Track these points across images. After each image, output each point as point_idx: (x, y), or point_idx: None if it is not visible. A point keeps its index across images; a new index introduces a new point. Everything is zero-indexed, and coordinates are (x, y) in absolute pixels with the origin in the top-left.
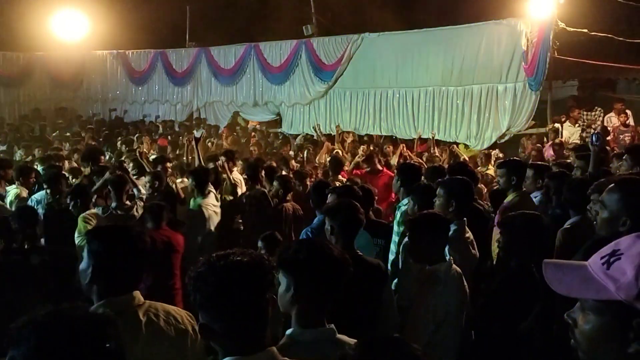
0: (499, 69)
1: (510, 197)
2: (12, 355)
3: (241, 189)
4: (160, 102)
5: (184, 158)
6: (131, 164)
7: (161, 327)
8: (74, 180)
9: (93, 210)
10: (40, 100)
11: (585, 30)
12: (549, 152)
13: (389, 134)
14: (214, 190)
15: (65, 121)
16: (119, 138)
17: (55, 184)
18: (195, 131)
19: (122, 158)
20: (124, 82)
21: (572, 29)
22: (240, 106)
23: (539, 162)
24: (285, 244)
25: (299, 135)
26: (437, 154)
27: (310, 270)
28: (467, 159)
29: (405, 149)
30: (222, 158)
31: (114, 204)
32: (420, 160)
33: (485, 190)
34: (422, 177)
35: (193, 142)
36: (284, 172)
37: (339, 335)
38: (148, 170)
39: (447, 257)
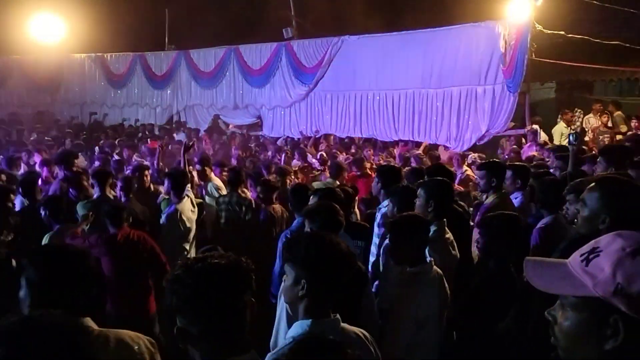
0: (478, 71)
1: (490, 199)
2: None
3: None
4: (140, 106)
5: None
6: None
7: (110, 353)
8: None
9: None
10: (17, 105)
11: (562, 33)
12: (527, 153)
13: (369, 136)
14: (191, 196)
15: (44, 126)
16: (100, 142)
17: (31, 190)
18: (175, 135)
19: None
20: (102, 86)
21: (549, 32)
22: (220, 109)
23: (518, 163)
24: (293, 238)
25: (279, 138)
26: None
27: (322, 264)
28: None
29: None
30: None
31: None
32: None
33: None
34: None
35: (182, 149)
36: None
37: (343, 325)
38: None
39: (428, 259)
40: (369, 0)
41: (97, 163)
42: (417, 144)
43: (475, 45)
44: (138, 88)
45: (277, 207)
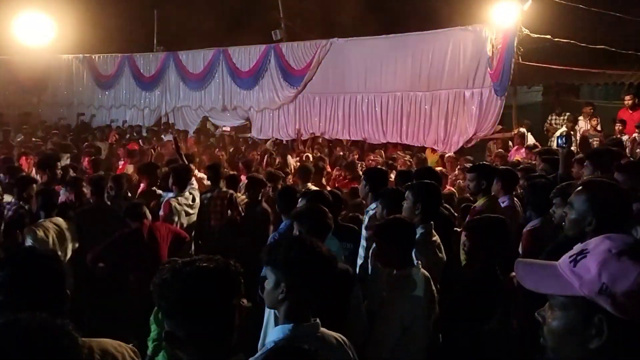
0: (466, 74)
1: (480, 201)
2: None
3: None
4: (128, 107)
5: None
6: None
7: None
8: None
9: None
10: (3, 105)
11: (549, 37)
12: (514, 157)
13: (357, 139)
14: (195, 193)
15: (30, 127)
16: (85, 143)
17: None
18: (163, 136)
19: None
20: (90, 87)
21: (535, 35)
22: (209, 111)
23: (504, 167)
24: (272, 242)
25: (268, 140)
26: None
27: (302, 268)
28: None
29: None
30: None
31: None
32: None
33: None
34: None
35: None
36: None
37: (322, 329)
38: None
39: (415, 261)
40: (357, 3)
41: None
42: (405, 148)
43: (463, 48)
44: (126, 89)
45: (266, 205)
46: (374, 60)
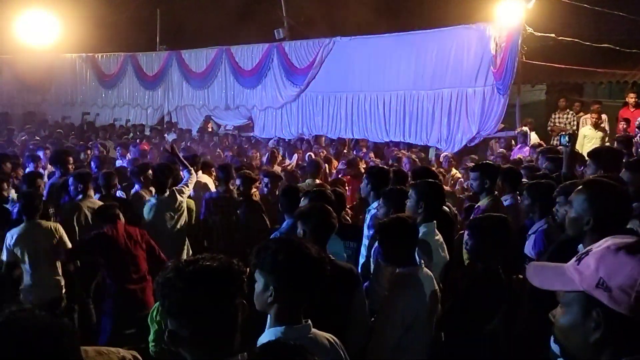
0: (469, 73)
1: (485, 201)
2: None
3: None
4: (131, 106)
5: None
6: None
7: None
8: None
9: None
10: (7, 105)
11: (553, 35)
12: (516, 155)
13: (360, 138)
14: (179, 196)
15: (34, 126)
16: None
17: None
18: (166, 135)
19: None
20: (93, 86)
21: (539, 34)
22: (212, 110)
23: (507, 166)
24: (261, 245)
25: (271, 139)
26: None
27: (289, 270)
28: None
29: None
30: None
31: None
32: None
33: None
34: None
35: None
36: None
37: (314, 330)
38: None
39: (418, 260)
40: (360, 2)
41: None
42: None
43: (466, 47)
44: (129, 88)
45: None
46: (377, 59)
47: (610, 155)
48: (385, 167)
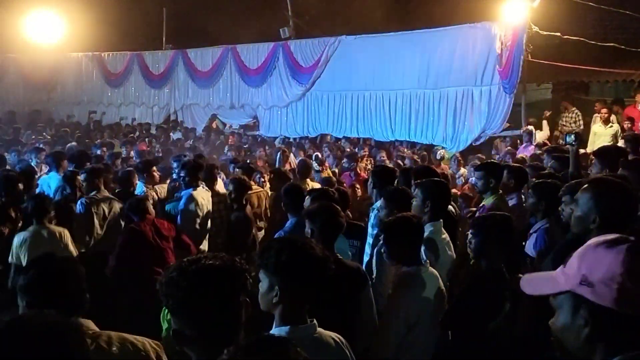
0: (474, 71)
1: (490, 200)
2: None
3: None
4: (137, 105)
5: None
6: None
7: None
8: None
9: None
10: (13, 103)
11: (558, 34)
12: (521, 154)
13: (366, 137)
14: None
15: (40, 124)
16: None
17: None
18: (172, 134)
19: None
20: (99, 85)
21: (545, 33)
22: (217, 109)
23: (514, 164)
24: (265, 244)
25: (276, 138)
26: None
27: (293, 270)
28: None
29: None
30: None
31: None
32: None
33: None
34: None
35: None
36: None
37: (319, 329)
38: None
39: (424, 259)
40: (366, 1)
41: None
42: (412, 145)
43: (471, 46)
44: (135, 87)
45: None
46: (382, 58)
47: (615, 153)
48: (390, 166)
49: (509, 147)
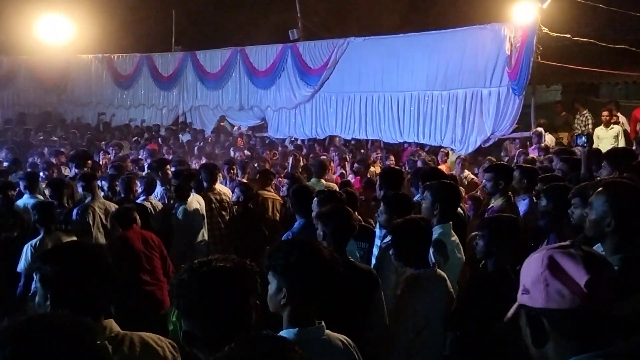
0: (483, 73)
1: (499, 201)
2: None
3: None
4: (146, 107)
5: None
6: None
7: None
8: None
9: None
10: (24, 105)
11: (568, 36)
12: (530, 156)
13: (374, 138)
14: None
15: (51, 126)
16: (103, 142)
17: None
18: (181, 135)
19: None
20: (109, 87)
21: (555, 34)
22: (226, 110)
23: (526, 165)
24: (273, 246)
25: (285, 139)
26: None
27: (302, 272)
28: None
29: None
30: None
31: None
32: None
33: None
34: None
35: None
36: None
37: (327, 332)
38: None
39: (432, 261)
40: (374, 2)
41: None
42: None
43: (480, 47)
44: (144, 89)
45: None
46: (390, 59)
47: (625, 156)
48: (398, 167)
49: (521, 149)
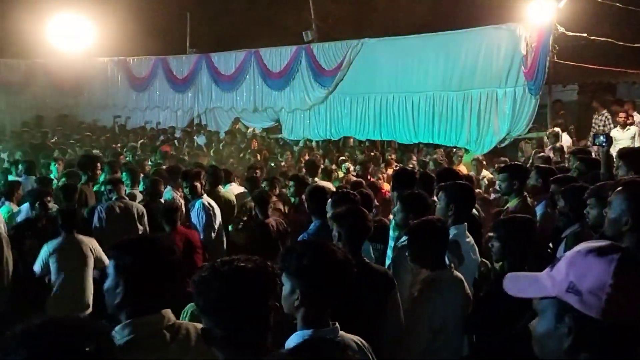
0: (499, 73)
1: (514, 202)
2: None
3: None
4: (161, 109)
5: None
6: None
7: (191, 351)
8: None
9: None
10: (41, 108)
11: (585, 35)
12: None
13: (389, 139)
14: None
15: (68, 128)
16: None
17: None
18: (196, 137)
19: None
20: (125, 89)
21: (571, 34)
22: (240, 112)
23: (543, 165)
24: (287, 248)
25: (299, 141)
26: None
27: (315, 274)
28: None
29: None
30: None
31: None
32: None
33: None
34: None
35: None
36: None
37: (341, 333)
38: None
39: (448, 263)
40: (388, 3)
41: None
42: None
43: (496, 47)
44: (160, 91)
45: (272, 220)
46: (405, 60)
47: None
48: (410, 169)
49: (538, 149)
